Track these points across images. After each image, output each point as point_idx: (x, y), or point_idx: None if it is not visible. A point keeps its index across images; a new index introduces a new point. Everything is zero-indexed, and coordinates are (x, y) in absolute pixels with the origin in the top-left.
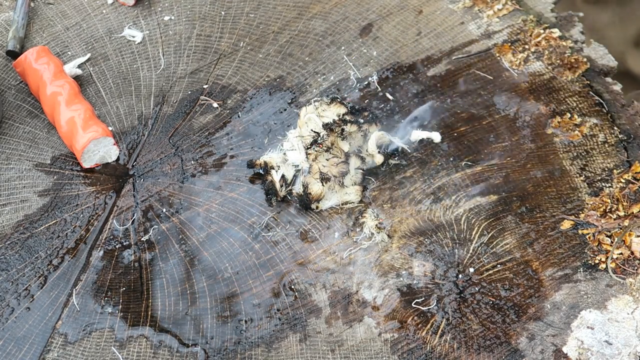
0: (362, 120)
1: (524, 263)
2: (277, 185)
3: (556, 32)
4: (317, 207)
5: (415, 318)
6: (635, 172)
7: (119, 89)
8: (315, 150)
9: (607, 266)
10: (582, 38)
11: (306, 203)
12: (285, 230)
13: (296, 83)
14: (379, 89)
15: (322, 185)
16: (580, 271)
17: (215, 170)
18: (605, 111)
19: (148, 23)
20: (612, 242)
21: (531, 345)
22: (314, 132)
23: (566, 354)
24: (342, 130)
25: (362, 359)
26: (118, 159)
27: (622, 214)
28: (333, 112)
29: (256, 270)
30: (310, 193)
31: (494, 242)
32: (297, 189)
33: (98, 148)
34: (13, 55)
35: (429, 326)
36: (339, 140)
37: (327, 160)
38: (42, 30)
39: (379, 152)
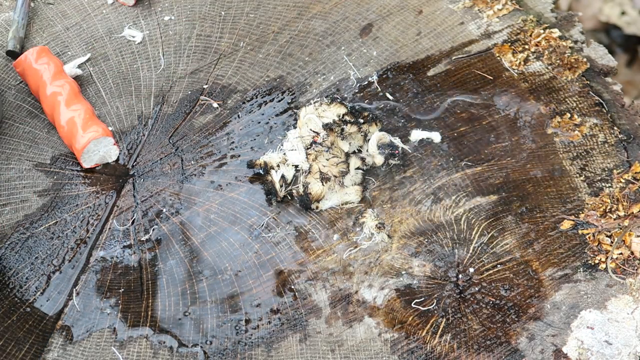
0: (362, 121)
1: (524, 263)
2: (277, 186)
3: (556, 32)
4: (317, 207)
5: (415, 318)
6: (635, 172)
7: (119, 89)
8: (315, 150)
9: (607, 266)
10: (582, 38)
11: (306, 203)
12: (285, 231)
13: (296, 83)
14: (379, 89)
15: (322, 185)
16: (580, 271)
17: (215, 170)
18: (605, 111)
19: (148, 23)
20: (612, 242)
21: (531, 345)
22: (314, 132)
23: (566, 354)
24: (342, 130)
25: (362, 359)
26: (118, 159)
27: (622, 214)
28: (333, 112)
29: (256, 270)
30: (310, 193)
31: (494, 242)
32: (298, 189)
33: (98, 148)
34: (13, 55)
35: (429, 326)
36: (339, 140)
37: (327, 160)
38: (42, 30)
39: (379, 152)
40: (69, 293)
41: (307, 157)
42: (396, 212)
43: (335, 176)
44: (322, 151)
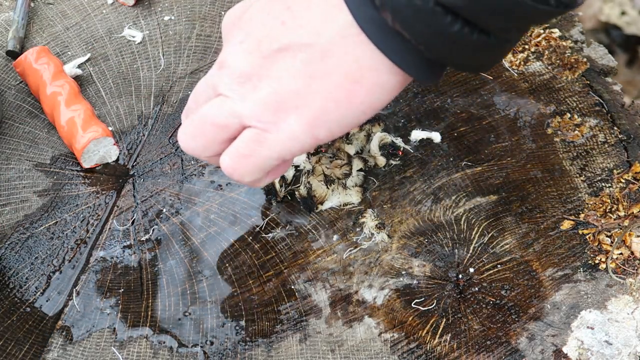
0: None
1: (524, 263)
2: (277, 186)
3: (556, 32)
4: (317, 208)
5: (415, 318)
6: (635, 172)
7: (119, 89)
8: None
9: (607, 266)
10: (582, 38)
11: (310, 206)
12: (285, 231)
13: None
14: None
15: (327, 187)
16: (580, 271)
17: (215, 170)
18: (605, 111)
19: (148, 23)
20: (612, 242)
21: (531, 345)
22: None
23: (566, 354)
24: (347, 133)
25: (362, 359)
26: (118, 159)
27: (622, 214)
28: None
29: (256, 270)
30: (314, 195)
31: (494, 242)
32: (300, 190)
33: (98, 148)
34: (13, 55)
35: (429, 326)
36: (343, 143)
37: (330, 161)
38: (42, 30)
39: (381, 153)
40: (69, 293)
41: (309, 159)
42: (396, 212)
43: (339, 178)
44: (325, 154)
